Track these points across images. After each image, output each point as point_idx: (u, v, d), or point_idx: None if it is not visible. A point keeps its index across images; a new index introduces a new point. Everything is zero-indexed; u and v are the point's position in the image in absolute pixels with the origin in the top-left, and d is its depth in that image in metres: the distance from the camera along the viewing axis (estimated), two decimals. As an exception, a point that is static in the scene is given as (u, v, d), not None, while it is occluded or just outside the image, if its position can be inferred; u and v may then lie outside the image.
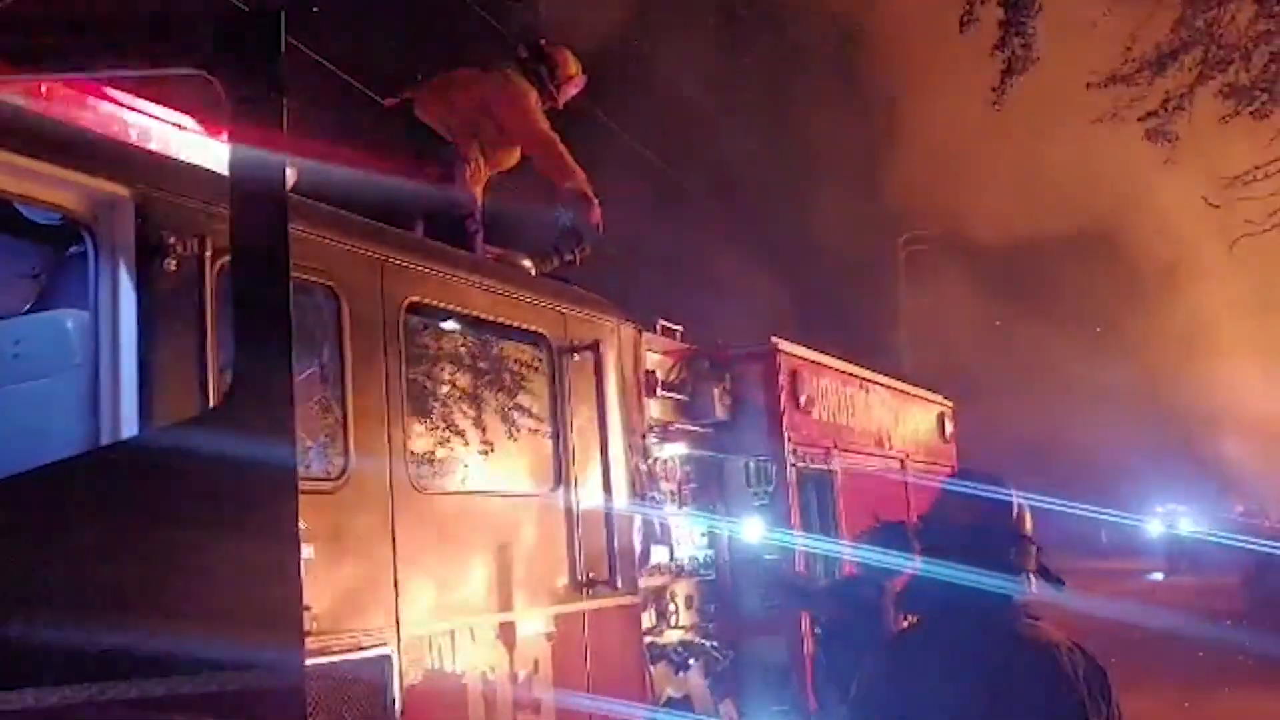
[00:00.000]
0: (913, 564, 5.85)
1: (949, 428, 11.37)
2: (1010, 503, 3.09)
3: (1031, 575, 3.00)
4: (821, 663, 6.91)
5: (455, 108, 6.02)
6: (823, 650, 6.90)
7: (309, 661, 3.55)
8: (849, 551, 7.16)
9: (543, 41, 6.49)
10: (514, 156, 6.35)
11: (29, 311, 4.24)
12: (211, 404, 3.44)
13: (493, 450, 5.10)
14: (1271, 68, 11.12)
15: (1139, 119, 11.80)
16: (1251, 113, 11.46)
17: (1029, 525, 3.08)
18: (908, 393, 10.64)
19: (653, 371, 6.87)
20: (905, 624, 3.41)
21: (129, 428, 3.37)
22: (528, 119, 6.17)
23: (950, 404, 11.55)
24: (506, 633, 4.81)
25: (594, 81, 6.81)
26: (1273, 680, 14.45)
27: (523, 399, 5.34)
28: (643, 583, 6.21)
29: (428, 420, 4.75)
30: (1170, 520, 40.29)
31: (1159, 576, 36.64)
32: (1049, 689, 2.82)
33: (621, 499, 5.76)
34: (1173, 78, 11.58)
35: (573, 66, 6.48)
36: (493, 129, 6.14)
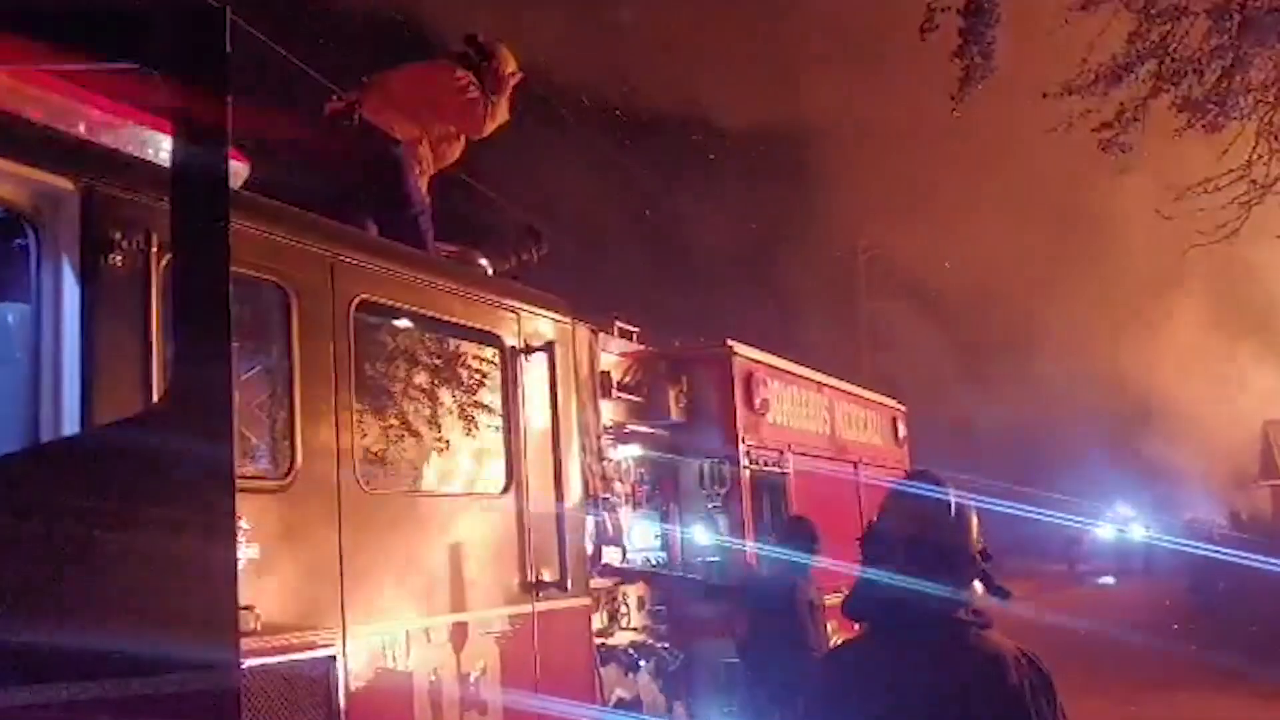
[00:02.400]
0: (817, 561, 5.89)
1: (902, 431, 11.47)
2: (955, 509, 3.05)
3: (978, 583, 2.97)
4: (743, 671, 6.94)
5: (403, 106, 6.00)
6: (743, 658, 6.93)
7: (253, 662, 3.54)
8: (759, 549, 7.24)
9: (479, 37, 6.50)
10: (458, 150, 6.36)
11: (-31, 305, 4.16)
12: (154, 401, 3.39)
13: (444, 450, 5.08)
14: (1224, 82, 11.29)
15: (1093, 130, 11.92)
16: (1204, 126, 11.62)
17: (975, 532, 3.03)
18: (861, 396, 10.71)
19: (608, 372, 6.87)
20: (843, 635, 3.37)
21: (70, 424, 3.32)
22: (472, 107, 6.20)
23: (903, 408, 11.66)
24: (455, 634, 4.78)
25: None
26: (1216, 683, 14.70)
27: (475, 399, 5.32)
28: (594, 584, 6.21)
29: (377, 420, 4.72)
30: (1122, 525, 40.87)
31: (1110, 580, 37.16)
32: (997, 703, 2.79)
33: (574, 500, 5.75)
34: (1128, 90, 11.72)
35: (512, 62, 6.50)
36: (440, 124, 6.15)
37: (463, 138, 6.34)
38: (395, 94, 6.04)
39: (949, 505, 3.04)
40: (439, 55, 6.49)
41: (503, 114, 6.39)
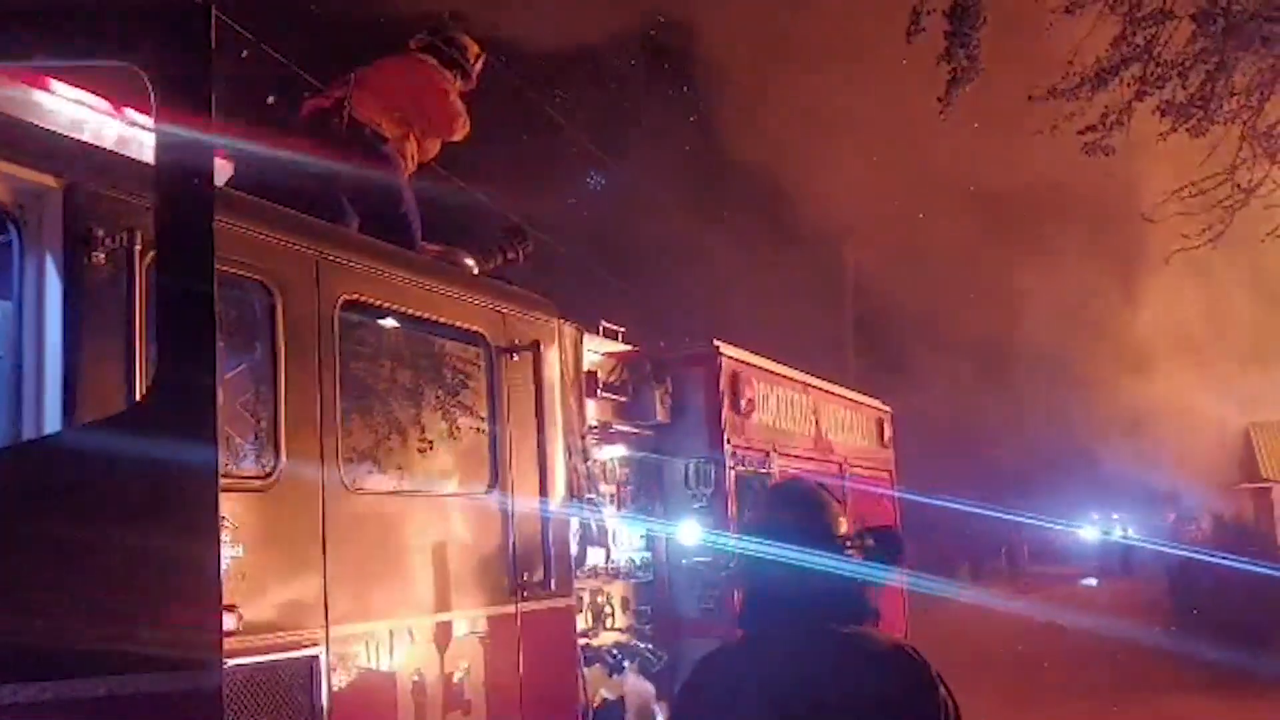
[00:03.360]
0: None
1: (888, 433, 11.49)
2: (826, 504, 3.01)
3: (861, 593, 2.87)
4: None
5: (388, 102, 6.00)
6: None
7: (235, 662, 3.53)
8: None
9: (445, 24, 6.57)
10: (437, 146, 6.38)
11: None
12: (138, 399, 3.38)
13: (428, 450, 5.07)
14: (1207, 86, 11.36)
15: (1079, 133, 11.99)
16: (1188, 129, 11.70)
17: (835, 511, 3.00)
18: (847, 397, 10.73)
19: (594, 372, 6.87)
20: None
21: (52, 421, 3.31)
22: (452, 111, 6.24)
23: (889, 409, 11.68)
24: (438, 634, 4.78)
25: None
26: (1196, 684, 14.78)
27: (460, 399, 5.32)
28: (579, 584, 6.20)
29: (362, 419, 4.71)
30: (1106, 527, 41.13)
31: (1093, 582, 37.39)
32: (878, 703, 2.72)
33: (559, 500, 5.75)
34: (1112, 93, 11.79)
35: (475, 46, 6.57)
36: (421, 123, 6.16)
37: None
38: (381, 90, 6.03)
39: (803, 491, 3.08)
40: (408, 48, 6.49)
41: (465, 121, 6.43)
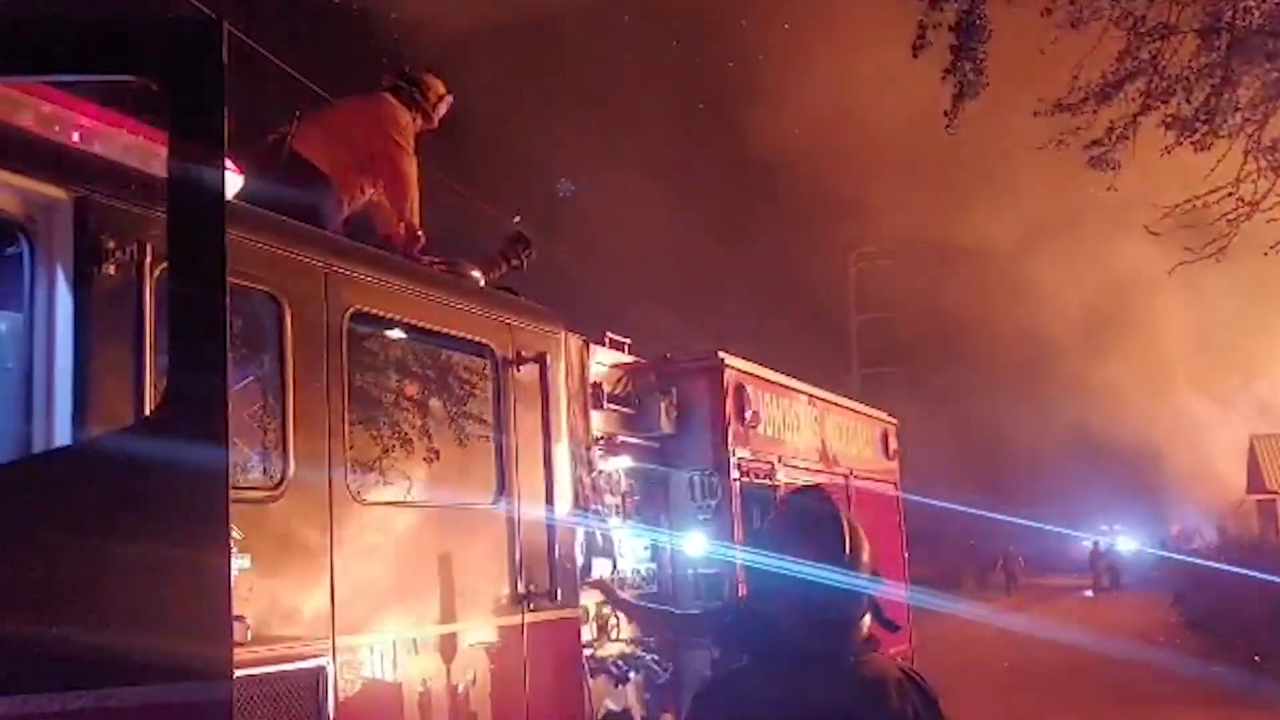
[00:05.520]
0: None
1: (893, 444, 11.49)
2: (848, 526, 2.88)
3: (865, 618, 2.81)
4: None
5: (339, 139, 6.00)
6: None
7: (242, 672, 3.53)
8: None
9: (407, 68, 6.62)
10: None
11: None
12: (147, 411, 3.40)
13: (435, 461, 5.08)
14: (1212, 100, 11.37)
15: (1084, 147, 12.02)
16: (1192, 144, 11.71)
17: (867, 552, 2.86)
18: (852, 409, 10.73)
19: (599, 383, 6.88)
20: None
21: (62, 434, 3.32)
22: (396, 150, 6.20)
23: (895, 421, 11.68)
24: (444, 645, 4.78)
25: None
26: (1202, 698, 14.73)
27: (467, 410, 5.33)
28: (584, 595, 6.21)
29: (369, 430, 4.73)
30: (1110, 538, 41.15)
31: (1090, 593, 37.38)
32: None
33: (565, 511, 5.76)
34: (1117, 107, 11.81)
35: (441, 87, 6.59)
36: (368, 158, 6.14)
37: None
38: (330, 128, 6.04)
39: (837, 533, 2.87)
40: (377, 90, 6.51)
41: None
